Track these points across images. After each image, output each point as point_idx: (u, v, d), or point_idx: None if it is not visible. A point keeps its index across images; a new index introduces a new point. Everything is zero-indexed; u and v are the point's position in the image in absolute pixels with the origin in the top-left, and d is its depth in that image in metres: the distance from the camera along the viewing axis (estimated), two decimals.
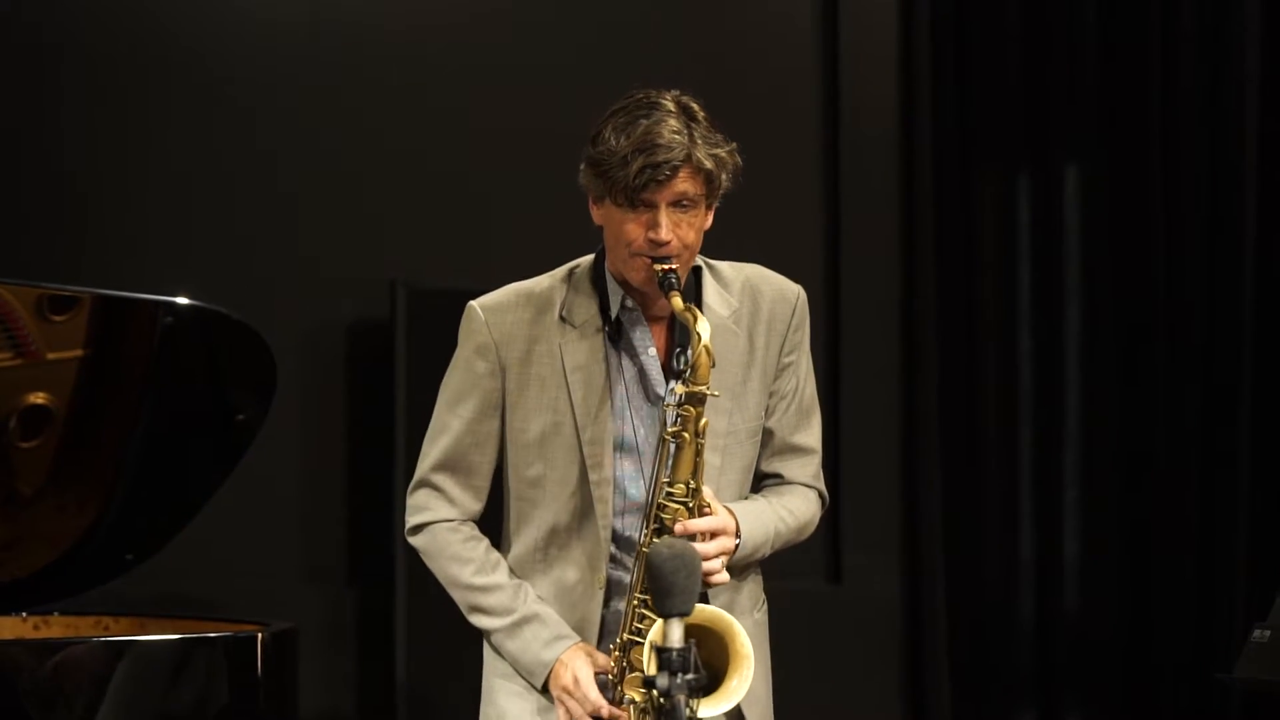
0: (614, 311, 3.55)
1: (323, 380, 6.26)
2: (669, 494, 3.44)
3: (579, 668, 3.50)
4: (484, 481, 3.63)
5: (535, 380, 3.55)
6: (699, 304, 3.53)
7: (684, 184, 3.40)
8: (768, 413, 3.64)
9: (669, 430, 3.43)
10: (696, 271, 3.59)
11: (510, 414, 3.57)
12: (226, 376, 5.16)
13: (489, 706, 3.65)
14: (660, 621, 3.31)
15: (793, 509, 3.65)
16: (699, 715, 3.24)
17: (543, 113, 6.22)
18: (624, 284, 3.54)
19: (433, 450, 3.62)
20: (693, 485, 3.44)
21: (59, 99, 6.08)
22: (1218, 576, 6.55)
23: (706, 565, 3.41)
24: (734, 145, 3.47)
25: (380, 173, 6.32)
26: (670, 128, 3.39)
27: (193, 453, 5.15)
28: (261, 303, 5.81)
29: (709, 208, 3.48)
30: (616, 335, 3.56)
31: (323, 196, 6.26)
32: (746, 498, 3.64)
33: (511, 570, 3.61)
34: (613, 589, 3.55)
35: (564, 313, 3.56)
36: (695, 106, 3.46)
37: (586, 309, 3.56)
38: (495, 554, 3.62)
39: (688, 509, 3.44)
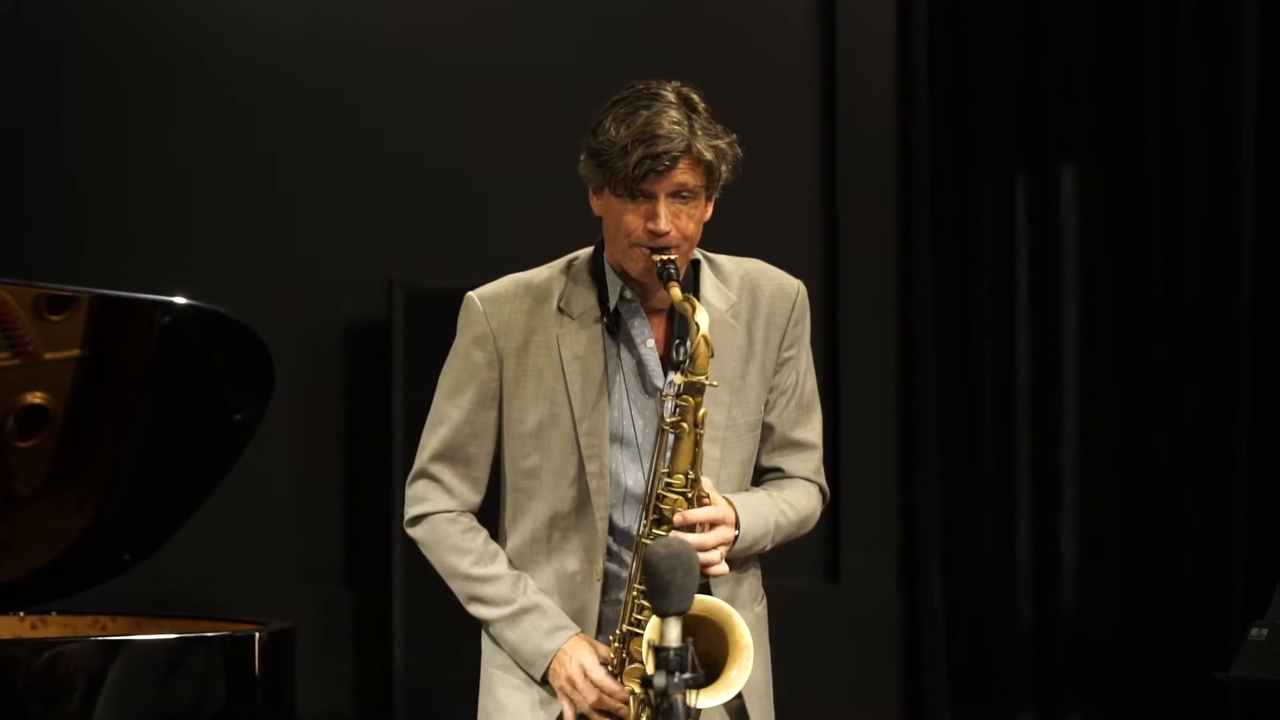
0: (612, 303, 3.55)
1: (320, 380, 6.27)
2: (668, 484, 3.44)
3: (583, 658, 3.50)
4: (482, 473, 3.62)
5: (533, 371, 3.55)
6: (697, 297, 3.52)
7: (684, 175, 3.40)
8: (767, 407, 3.64)
9: (668, 420, 3.43)
10: (695, 265, 3.59)
11: (508, 405, 3.57)
12: (224, 376, 5.16)
13: (488, 699, 3.64)
14: (656, 618, 3.32)
15: (793, 502, 3.65)
16: (699, 705, 3.24)
17: (543, 113, 6.23)
18: (623, 275, 3.54)
19: (431, 441, 3.62)
20: (691, 476, 3.44)
21: (59, 99, 6.09)
22: (1216, 575, 6.54)
23: (705, 556, 3.41)
24: (734, 136, 3.47)
25: (380, 173, 6.33)
26: (670, 118, 3.39)
27: (190, 452, 5.15)
28: (260, 302, 5.82)
29: (709, 199, 3.48)
30: (615, 327, 3.56)
31: (322, 196, 6.27)
32: (747, 490, 3.63)
33: (510, 561, 3.61)
34: (610, 580, 3.55)
35: (562, 304, 3.56)
36: (696, 97, 3.46)
37: (585, 300, 3.56)
38: (494, 545, 3.62)
39: (687, 499, 3.44)
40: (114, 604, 5.29)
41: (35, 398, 4.95)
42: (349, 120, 6.32)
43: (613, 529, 3.54)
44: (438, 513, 3.62)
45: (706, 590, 3.50)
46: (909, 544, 6.71)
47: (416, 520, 3.64)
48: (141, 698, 4.58)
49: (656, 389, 3.53)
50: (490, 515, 3.66)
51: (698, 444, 3.44)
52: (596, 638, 3.55)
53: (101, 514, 5.09)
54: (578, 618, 3.56)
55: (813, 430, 3.71)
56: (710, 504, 3.48)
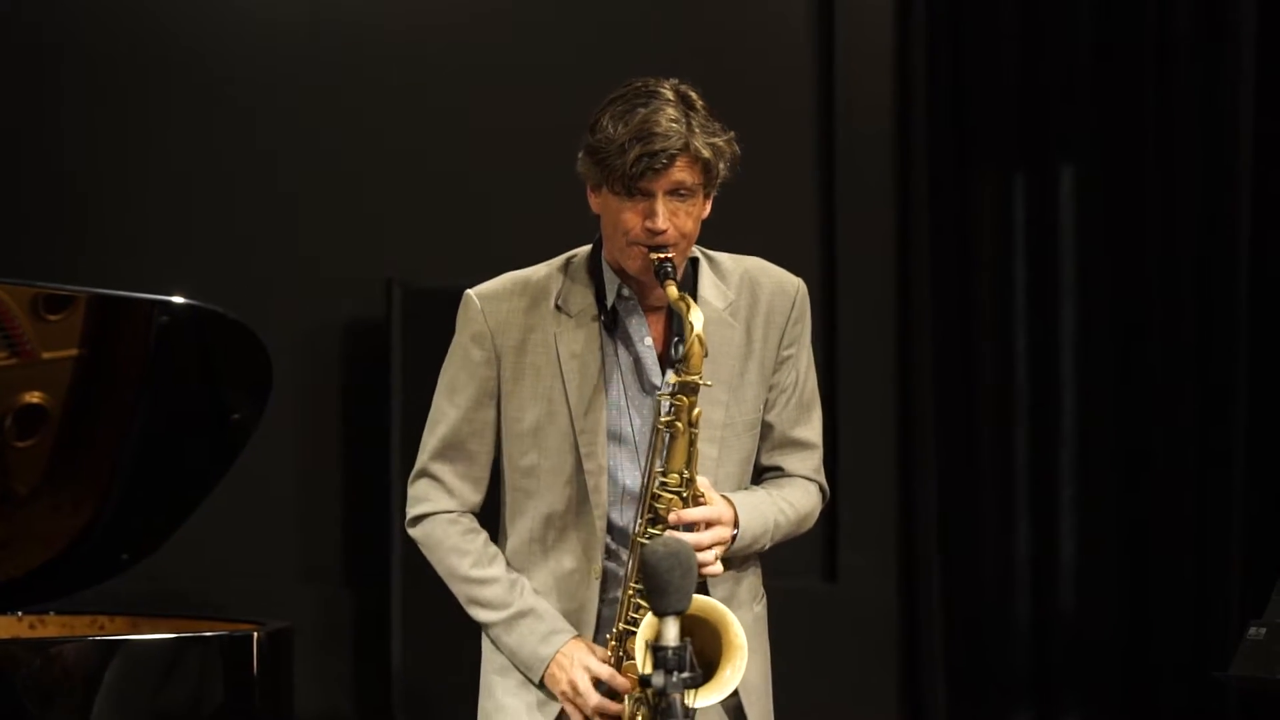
0: (610, 301, 3.55)
1: (319, 380, 6.27)
2: (663, 483, 3.44)
3: (587, 662, 3.49)
4: (483, 471, 3.62)
5: (530, 369, 3.55)
6: (694, 295, 3.52)
7: (681, 173, 3.39)
8: (767, 406, 3.63)
9: (662, 420, 3.43)
10: (694, 262, 3.58)
11: (505, 403, 3.57)
12: (222, 376, 5.15)
13: (487, 700, 3.64)
14: (650, 616, 3.32)
15: (793, 501, 3.64)
16: (693, 705, 3.24)
17: (542, 113, 6.22)
18: (621, 273, 3.53)
19: (431, 439, 3.62)
20: (686, 475, 3.43)
21: (59, 99, 6.09)
22: (1214, 575, 6.54)
23: (700, 556, 3.39)
24: (732, 134, 3.46)
25: (380, 173, 6.33)
26: (668, 116, 3.38)
27: (188, 452, 5.13)
28: (259, 302, 5.82)
29: (707, 197, 3.47)
30: (612, 325, 3.55)
31: (322, 196, 6.27)
32: (746, 489, 3.63)
33: (509, 563, 3.60)
34: (609, 579, 3.55)
35: (560, 302, 3.55)
36: (694, 95, 3.45)
37: (582, 298, 3.55)
38: (494, 547, 3.61)
39: (681, 499, 3.44)
40: (112, 604, 5.28)
41: (33, 397, 4.94)
42: (349, 120, 6.32)
43: (611, 528, 3.54)
44: (438, 513, 3.62)
45: (704, 590, 3.49)
46: (907, 543, 6.71)
47: (417, 520, 3.64)
48: (139, 697, 4.57)
49: (654, 387, 3.52)
50: (493, 515, 3.67)
51: (692, 443, 3.43)
52: (595, 636, 3.55)
53: (99, 514, 5.08)
54: (576, 616, 3.55)
55: (813, 429, 3.70)
56: (706, 503, 3.47)
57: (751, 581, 3.66)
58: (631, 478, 3.53)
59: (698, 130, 3.40)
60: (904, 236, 6.71)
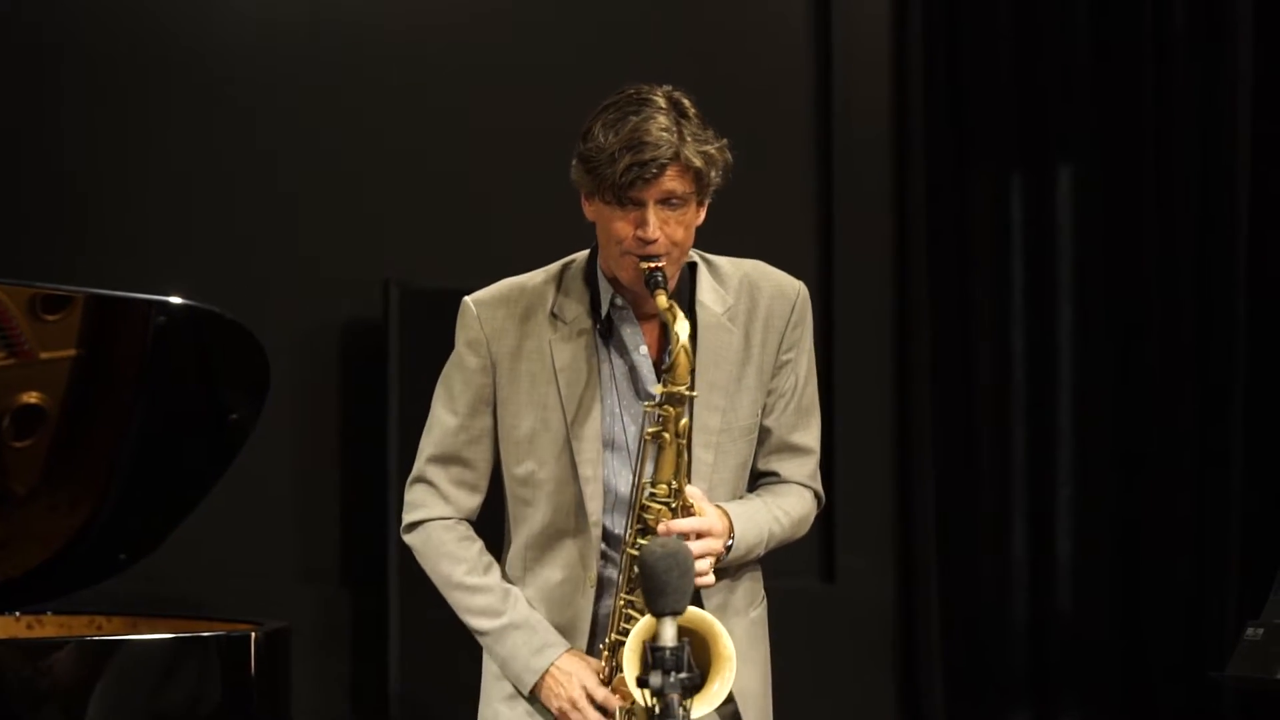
0: (604, 309, 3.54)
1: (316, 380, 6.27)
2: (651, 494, 3.43)
3: (585, 679, 3.49)
4: (479, 478, 3.61)
5: (525, 376, 3.54)
6: (692, 300, 3.52)
7: (672, 182, 3.38)
8: (765, 410, 3.61)
9: (649, 431, 3.42)
10: (692, 267, 3.57)
11: (501, 410, 3.56)
12: (220, 376, 5.15)
13: (485, 708, 3.64)
14: (643, 620, 3.32)
15: (787, 509, 3.63)
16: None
17: (542, 113, 6.22)
18: (615, 282, 3.52)
19: (427, 445, 3.62)
20: (675, 485, 3.42)
21: (59, 99, 6.09)
22: (1211, 575, 6.55)
23: None
24: (725, 141, 3.44)
25: (379, 173, 6.33)
26: (659, 125, 3.36)
27: (186, 452, 5.13)
28: (258, 302, 5.83)
29: (700, 205, 3.45)
30: (607, 333, 3.54)
31: (322, 196, 6.28)
32: (741, 496, 3.62)
33: (504, 573, 3.60)
34: (604, 587, 3.54)
35: (555, 309, 3.54)
36: (686, 103, 3.43)
37: (577, 306, 3.54)
38: (488, 556, 3.61)
39: (670, 509, 3.43)
40: (109, 604, 5.29)
41: (31, 397, 4.95)
42: (349, 120, 6.32)
43: (606, 535, 3.53)
44: (433, 520, 3.62)
45: (698, 600, 3.48)
46: (905, 544, 6.72)
47: (412, 527, 3.64)
48: (137, 698, 4.58)
49: (649, 395, 3.50)
50: (494, 523, 3.66)
51: (680, 454, 3.42)
52: (590, 643, 3.55)
53: (97, 514, 5.08)
54: (572, 624, 3.55)
55: (811, 435, 3.67)
56: (697, 514, 3.46)
57: (748, 586, 3.65)
58: (626, 485, 3.51)
59: (689, 139, 3.38)
60: (902, 237, 6.71)
